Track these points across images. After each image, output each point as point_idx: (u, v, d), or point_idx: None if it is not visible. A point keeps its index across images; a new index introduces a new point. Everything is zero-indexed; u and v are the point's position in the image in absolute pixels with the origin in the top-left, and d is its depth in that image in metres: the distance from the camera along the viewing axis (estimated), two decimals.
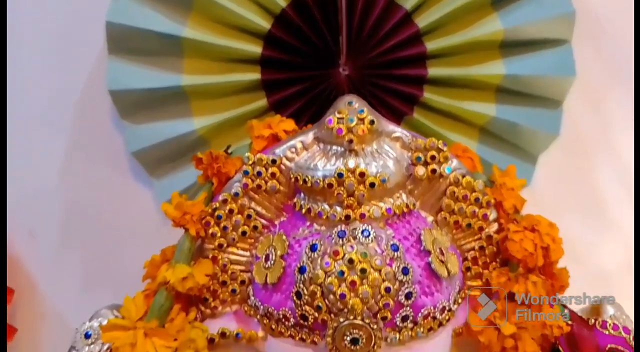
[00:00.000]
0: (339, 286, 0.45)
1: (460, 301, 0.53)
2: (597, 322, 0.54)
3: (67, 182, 0.85)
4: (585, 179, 0.84)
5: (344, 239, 0.47)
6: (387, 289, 0.45)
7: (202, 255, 0.54)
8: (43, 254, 0.89)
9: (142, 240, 0.71)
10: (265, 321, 0.51)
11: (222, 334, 0.53)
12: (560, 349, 0.53)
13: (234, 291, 0.54)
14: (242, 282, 0.54)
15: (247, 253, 0.54)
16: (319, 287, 0.46)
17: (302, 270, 0.47)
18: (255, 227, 0.53)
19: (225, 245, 0.53)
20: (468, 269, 0.54)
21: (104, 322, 0.52)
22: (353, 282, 0.45)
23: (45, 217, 0.88)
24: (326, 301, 0.46)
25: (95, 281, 0.89)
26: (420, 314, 0.48)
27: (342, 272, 0.45)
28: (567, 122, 0.77)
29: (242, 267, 0.54)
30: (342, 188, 0.47)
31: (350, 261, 0.45)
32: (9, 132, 0.82)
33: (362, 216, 0.48)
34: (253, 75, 0.66)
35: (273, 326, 0.50)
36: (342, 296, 0.45)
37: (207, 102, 0.70)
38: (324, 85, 0.67)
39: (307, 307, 0.47)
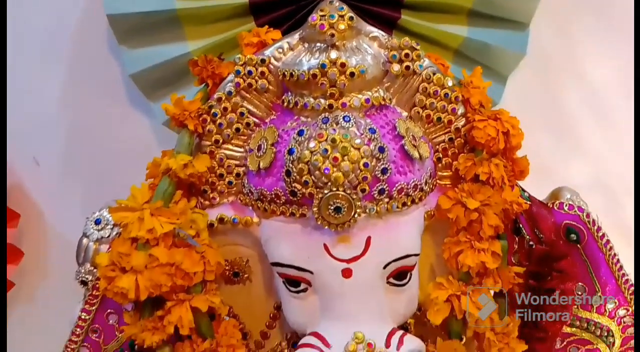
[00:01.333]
0: (323, 162, 0.51)
1: (432, 186, 0.59)
2: (554, 204, 0.61)
3: (68, 110, 0.90)
4: (553, 98, 0.90)
5: (327, 124, 0.53)
6: (365, 165, 0.52)
7: (200, 151, 0.59)
8: (46, 181, 0.95)
9: (140, 164, 0.77)
10: (259, 205, 0.57)
11: (221, 220, 0.59)
12: (521, 226, 0.60)
13: (230, 183, 0.60)
14: (237, 175, 0.60)
15: (241, 149, 0.60)
16: (305, 165, 0.52)
17: (291, 151, 0.53)
18: (248, 124, 0.59)
19: (221, 141, 0.59)
20: (439, 159, 0.61)
21: None
22: (335, 158, 0.51)
23: (47, 145, 0.93)
24: (312, 176, 0.52)
25: (96, 206, 0.94)
26: (394, 189, 0.54)
27: (325, 150, 0.51)
28: (535, 44, 0.84)
29: (237, 162, 0.60)
30: (325, 78, 0.53)
31: (333, 140, 0.52)
32: (10, 62, 0.87)
33: (344, 105, 0.54)
34: None
35: (266, 207, 0.57)
36: (326, 170, 0.51)
37: (200, 27, 0.75)
38: (309, 9, 0.72)
39: (296, 184, 0.53)
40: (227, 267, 0.61)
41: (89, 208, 0.94)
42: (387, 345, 0.54)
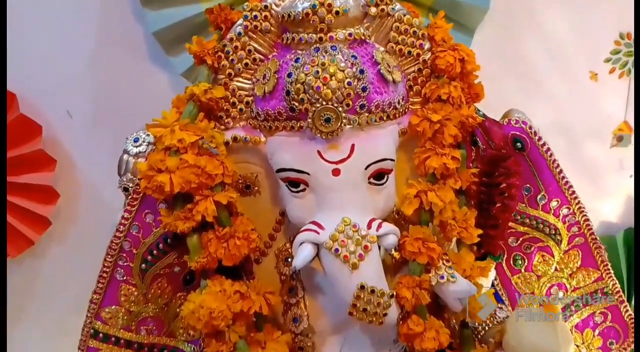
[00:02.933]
0: (315, 82, 0.65)
1: (405, 108, 0.73)
2: (504, 121, 0.75)
3: (97, 67, 1.04)
4: (515, 48, 1.04)
5: (318, 53, 0.67)
6: (349, 83, 0.66)
7: (216, 84, 0.73)
8: (78, 131, 1.09)
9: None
10: (265, 124, 0.71)
11: (234, 139, 0.73)
12: (477, 138, 0.74)
13: (241, 110, 0.74)
14: (247, 103, 0.74)
15: (250, 81, 0.73)
16: (301, 85, 0.66)
17: (289, 75, 0.67)
18: (254, 60, 0.73)
19: (233, 74, 0.73)
20: (411, 87, 0.75)
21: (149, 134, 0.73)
22: (325, 78, 0.65)
23: (79, 99, 1.07)
24: (307, 94, 0.66)
25: None
26: (372, 104, 0.68)
27: (317, 72, 0.65)
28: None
29: (246, 92, 0.74)
30: (316, 16, 0.67)
31: (323, 64, 0.66)
32: (44, 26, 1.00)
33: (331, 38, 0.68)
34: None
35: (271, 125, 0.71)
36: (318, 88, 0.65)
37: None
38: None
39: (294, 101, 0.67)
40: (240, 181, 0.76)
41: (117, 155, 1.08)
42: (369, 227, 0.68)
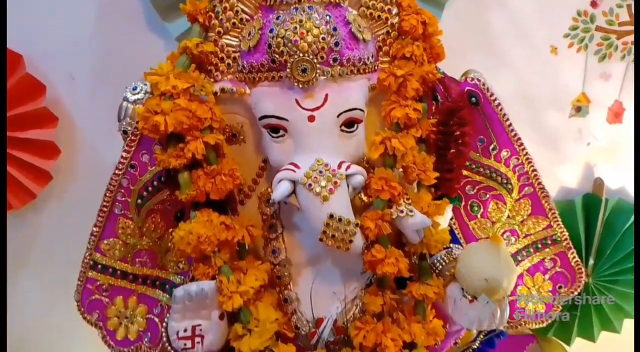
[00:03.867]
0: (293, 36, 0.75)
1: (374, 66, 0.83)
2: (462, 79, 0.85)
3: (99, 33, 1.12)
4: (481, 22, 1.14)
5: (297, 12, 0.76)
6: (323, 38, 0.75)
7: (207, 40, 0.82)
8: (80, 93, 1.17)
9: None
10: (249, 76, 0.81)
11: (222, 90, 0.82)
12: (437, 93, 0.84)
13: (229, 64, 0.83)
14: (234, 58, 0.83)
15: (237, 39, 0.83)
16: (282, 39, 0.75)
17: (271, 31, 0.76)
18: (241, 20, 0.82)
19: (222, 32, 0.82)
20: (380, 48, 0.84)
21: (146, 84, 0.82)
22: (302, 33, 0.75)
23: (81, 63, 1.15)
24: (286, 47, 0.75)
25: None
26: (344, 58, 0.77)
27: (295, 28, 0.75)
28: None
29: (234, 49, 0.83)
30: None
31: (300, 21, 0.75)
32: None
33: (309, 0, 0.78)
34: None
35: (255, 77, 0.80)
36: (296, 41, 0.75)
37: None
38: None
39: (275, 54, 0.76)
40: (227, 130, 0.85)
41: (115, 115, 1.16)
42: (339, 167, 0.77)
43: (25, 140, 1.12)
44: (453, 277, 0.83)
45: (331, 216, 0.75)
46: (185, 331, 0.77)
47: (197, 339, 0.78)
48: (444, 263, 0.86)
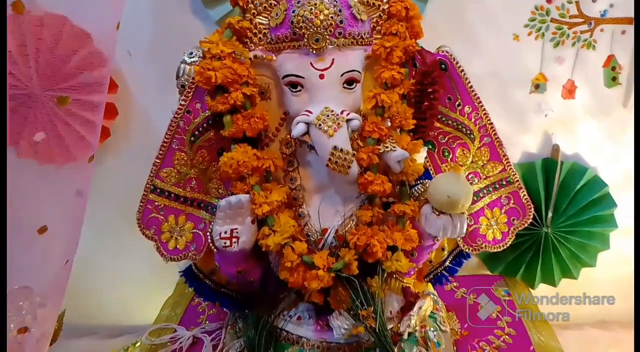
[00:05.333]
0: (310, 15, 1.02)
1: (369, 40, 1.10)
2: (435, 51, 1.13)
3: (153, 16, 1.40)
4: (459, 15, 1.41)
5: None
6: (332, 17, 1.03)
7: (245, 19, 1.10)
8: (135, 66, 1.45)
9: None
10: (275, 46, 1.08)
11: (255, 56, 1.09)
12: (416, 61, 1.11)
13: (260, 38, 1.11)
14: (264, 34, 1.11)
15: (266, 19, 1.10)
16: (301, 17, 1.03)
17: (293, 12, 1.04)
18: (270, 4, 1.09)
19: (256, 13, 1.10)
20: (374, 27, 1.12)
21: (199, 50, 1.10)
22: (316, 13, 1.02)
23: (137, 41, 1.44)
24: (304, 24, 1.03)
25: (169, 84, 1.42)
26: (347, 33, 1.05)
27: (311, 9, 1.02)
28: None
29: (264, 26, 1.10)
30: None
31: (315, 4, 1.02)
32: None
33: None
34: None
35: (280, 46, 1.08)
36: (311, 19, 1.02)
37: None
38: None
39: (296, 29, 1.04)
40: (258, 88, 1.13)
41: (163, 87, 1.43)
42: (341, 113, 1.05)
43: (91, 102, 1.40)
44: (426, 201, 1.10)
45: (335, 147, 1.03)
46: (225, 232, 1.04)
47: (234, 239, 1.04)
48: (420, 192, 1.13)
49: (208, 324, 1.34)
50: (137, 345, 1.42)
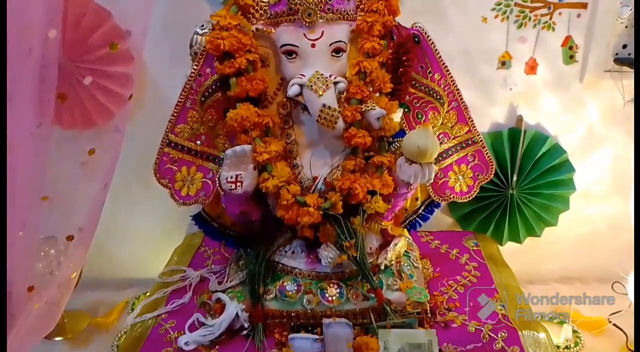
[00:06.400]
0: None
1: (354, 16, 1.31)
2: (410, 26, 1.33)
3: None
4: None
5: None
6: None
7: None
8: (150, 41, 1.63)
9: None
10: (274, 20, 1.28)
11: (257, 29, 1.29)
12: (393, 34, 1.31)
13: (261, 14, 1.30)
14: (265, 10, 1.30)
15: None
16: None
17: None
18: None
19: None
20: (358, 6, 1.32)
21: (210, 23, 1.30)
22: None
23: (153, 19, 1.62)
24: (298, 0, 1.23)
25: (181, 59, 1.58)
26: (335, 9, 1.25)
27: None
28: None
29: (265, 3, 1.29)
30: None
31: None
32: None
33: None
34: None
35: (278, 20, 1.27)
36: None
37: None
38: None
39: (292, 4, 1.23)
40: (260, 58, 1.32)
41: (174, 61, 1.61)
42: (329, 77, 1.25)
43: (112, 73, 1.59)
44: (401, 154, 1.30)
45: (324, 105, 1.23)
46: (231, 177, 1.24)
47: (239, 183, 1.23)
48: (396, 147, 1.34)
49: (213, 267, 1.54)
50: (147, 295, 1.60)
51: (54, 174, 1.18)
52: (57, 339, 1.62)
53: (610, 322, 1.57)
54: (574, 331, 1.58)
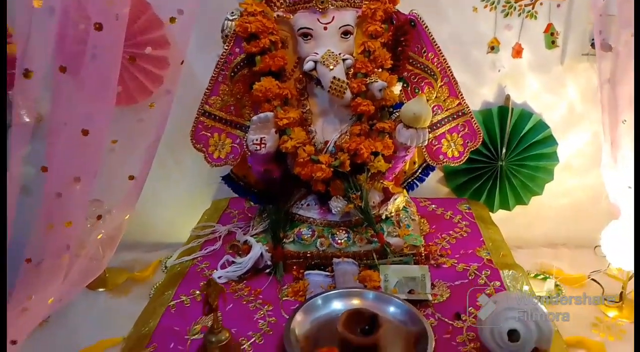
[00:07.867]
0: None
1: (360, 5, 1.54)
2: (408, 13, 1.56)
3: None
4: None
5: None
6: None
7: None
8: (182, 29, 1.88)
9: None
10: (292, 8, 1.51)
11: (277, 16, 1.53)
12: (393, 19, 1.55)
13: (281, 3, 1.54)
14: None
15: None
16: None
17: None
18: None
19: None
20: None
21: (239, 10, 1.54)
22: None
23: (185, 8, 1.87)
24: None
25: (208, 44, 1.82)
26: None
27: None
28: None
29: None
30: None
31: None
32: None
33: None
34: None
35: (296, 7, 1.51)
36: None
37: None
38: None
39: None
40: (280, 39, 1.56)
41: (203, 47, 1.83)
42: (339, 55, 1.48)
43: (149, 56, 1.84)
44: (400, 121, 1.53)
45: (334, 77, 1.46)
46: (256, 140, 1.47)
47: (263, 145, 1.47)
48: (396, 115, 1.57)
49: (239, 223, 1.78)
50: (176, 256, 1.81)
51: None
52: (100, 290, 1.86)
53: (589, 277, 1.77)
54: (556, 285, 1.78)
